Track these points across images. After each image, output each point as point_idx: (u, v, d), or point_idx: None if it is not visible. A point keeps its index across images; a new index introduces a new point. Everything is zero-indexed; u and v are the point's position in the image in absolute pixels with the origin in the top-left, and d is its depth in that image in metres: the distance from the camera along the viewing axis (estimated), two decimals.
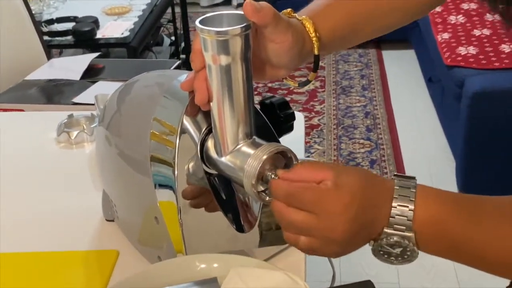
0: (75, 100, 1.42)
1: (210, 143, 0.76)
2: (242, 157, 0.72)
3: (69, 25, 2.55)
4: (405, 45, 3.69)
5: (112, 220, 0.94)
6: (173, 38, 3.51)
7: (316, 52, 0.75)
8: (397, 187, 0.65)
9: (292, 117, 0.82)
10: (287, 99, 0.86)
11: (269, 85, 3.45)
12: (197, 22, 0.69)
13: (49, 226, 0.97)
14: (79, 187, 1.06)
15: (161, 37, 3.57)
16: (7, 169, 1.13)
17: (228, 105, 0.72)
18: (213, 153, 0.76)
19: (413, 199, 0.64)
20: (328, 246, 0.66)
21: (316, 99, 3.29)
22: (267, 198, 0.73)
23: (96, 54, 1.70)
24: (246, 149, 0.73)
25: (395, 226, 0.64)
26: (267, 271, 0.73)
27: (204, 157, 0.77)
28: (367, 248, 0.68)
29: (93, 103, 1.24)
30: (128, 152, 0.82)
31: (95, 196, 0.98)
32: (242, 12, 0.70)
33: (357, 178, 0.65)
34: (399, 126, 2.99)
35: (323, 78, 3.46)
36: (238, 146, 0.73)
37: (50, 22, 2.62)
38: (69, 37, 2.50)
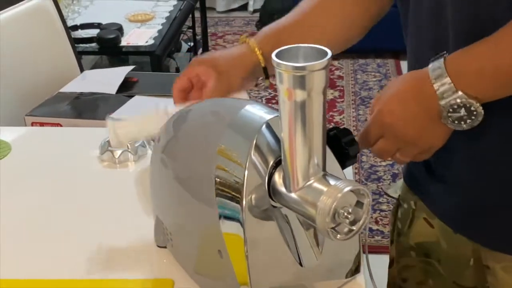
0: (113, 115, 1.41)
1: (277, 177, 0.75)
2: (314, 193, 0.71)
3: (93, 32, 2.54)
4: None
5: (164, 247, 0.92)
6: (191, 43, 3.50)
7: (262, 65, 1.01)
8: (431, 71, 0.78)
9: (357, 150, 0.81)
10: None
11: None
12: (273, 56, 0.68)
13: (96, 250, 0.95)
14: (125, 208, 1.04)
15: (179, 43, 3.56)
16: (50, 187, 1.11)
17: (301, 141, 0.70)
18: (280, 187, 0.75)
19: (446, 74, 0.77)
20: (413, 145, 0.83)
21: (335, 109, 3.27)
22: (338, 236, 0.72)
23: (132, 67, 1.68)
24: (318, 185, 0.71)
25: (444, 96, 0.77)
26: None
27: (271, 190, 0.76)
28: None
29: None
30: (191, 184, 0.81)
31: (142, 218, 0.96)
32: (320, 46, 0.68)
33: (394, 88, 0.84)
34: None
35: (342, 88, 3.44)
36: (309, 182, 0.72)
37: (74, 28, 2.61)
38: (94, 44, 2.49)
